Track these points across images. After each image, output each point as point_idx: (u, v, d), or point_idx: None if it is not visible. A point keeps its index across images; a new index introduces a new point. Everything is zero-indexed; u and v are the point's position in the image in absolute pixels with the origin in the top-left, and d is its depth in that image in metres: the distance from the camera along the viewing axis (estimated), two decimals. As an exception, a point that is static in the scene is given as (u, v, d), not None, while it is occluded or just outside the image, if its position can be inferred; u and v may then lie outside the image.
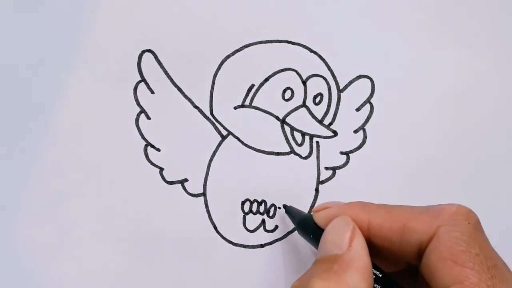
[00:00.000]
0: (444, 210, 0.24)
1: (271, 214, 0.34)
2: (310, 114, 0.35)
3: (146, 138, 0.34)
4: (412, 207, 0.25)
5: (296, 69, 0.34)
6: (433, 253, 0.23)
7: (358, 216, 0.25)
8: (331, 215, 0.26)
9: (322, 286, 0.22)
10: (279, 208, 0.34)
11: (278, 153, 0.34)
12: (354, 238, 0.24)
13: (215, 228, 0.34)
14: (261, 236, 0.34)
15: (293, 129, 0.34)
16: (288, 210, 0.32)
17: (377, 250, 0.26)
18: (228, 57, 0.35)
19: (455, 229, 0.23)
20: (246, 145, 0.34)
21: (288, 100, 0.34)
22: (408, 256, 0.25)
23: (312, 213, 0.28)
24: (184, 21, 0.35)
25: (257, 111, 0.35)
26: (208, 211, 0.34)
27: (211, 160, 0.34)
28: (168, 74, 0.35)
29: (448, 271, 0.22)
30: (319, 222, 0.27)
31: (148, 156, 0.34)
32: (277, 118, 0.35)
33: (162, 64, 0.35)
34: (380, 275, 0.25)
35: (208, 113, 0.35)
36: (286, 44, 0.35)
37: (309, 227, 0.28)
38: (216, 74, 0.35)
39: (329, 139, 0.35)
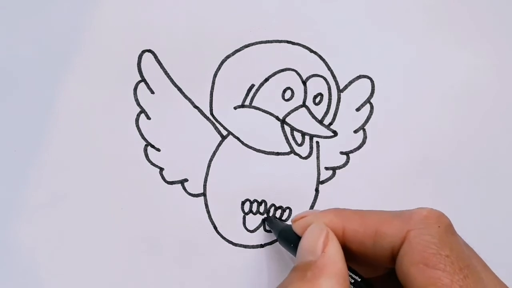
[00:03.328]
0: (415, 214, 0.24)
1: (271, 214, 0.34)
2: (310, 114, 0.35)
3: (146, 138, 0.34)
4: (385, 212, 0.25)
5: (296, 69, 0.34)
6: (405, 257, 0.23)
7: (333, 222, 0.26)
8: (307, 223, 0.27)
9: None
10: (279, 208, 0.34)
11: (278, 153, 0.34)
12: (328, 243, 0.24)
13: (215, 228, 0.34)
14: (261, 236, 0.34)
15: (293, 129, 0.35)
16: (270, 221, 0.33)
17: (354, 256, 0.26)
18: (228, 57, 0.35)
19: (425, 232, 0.23)
20: (246, 145, 0.34)
21: (288, 100, 0.34)
22: (383, 261, 0.25)
23: (291, 223, 0.28)
24: (184, 21, 0.35)
25: (257, 111, 0.35)
26: (208, 211, 0.34)
27: (211, 160, 0.34)
28: (168, 74, 0.35)
29: (420, 274, 0.22)
30: (297, 231, 0.27)
31: (148, 156, 0.34)
32: (277, 118, 0.35)
33: (162, 64, 0.35)
34: (359, 279, 0.25)
35: (208, 113, 0.35)
36: (286, 44, 0.35)
37: (290, 237, 0.28)
38: (216, 74, 0.35)
39: (329, 139, 0.35)
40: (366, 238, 0.25)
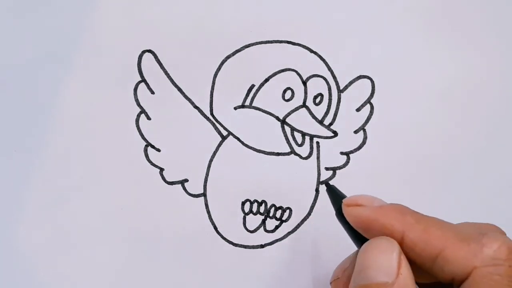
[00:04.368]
0: (485, 247, 0.22)
1: (271, 215, 0.34)
2: (310, 114, 0.35)
3: (146, 138, 0.34)
4: (452, 230, 0.23)
5: (296, 69, 0.34)
6: None
7: (393, 227, 0.23)
8: (363, 216, 0.24)
9: None
10: (279, 208, 0.34)
11: (278, 154, 0.34)
12: (402, 264, 0.22)
13: (215, 228, 0.34)
14: (261, 237, 0.34)
15: (293, 129, 0.34)
16: (331, 189, 0.27)
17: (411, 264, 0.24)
18: (228, 57, 0.35)
19: (494, 272, 0.21)
20: (246, 145, 0.34)
21: (288, 100, 0.34)
22: (439, 278, 0.23)
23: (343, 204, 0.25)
24: (184, 21, 0.35)
25: (257, 111, 0.35)
26: (208, 211, 0.34)
27: (211, 160, 0.34)
28: (168, 74, 0.35)
29: None
30: (349, 218, 0.25)
31: (148, 157, 0.34)
32: (277, 118, 0.35)
33: (162, 64, 0.35)
34: None
35: (208, 113, 0.35)
36: (286, 44, 0.35)
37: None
38: (216, 74, 0.35)
39: (329, 140, 0.35)
40: (425, 254, 0.22)
